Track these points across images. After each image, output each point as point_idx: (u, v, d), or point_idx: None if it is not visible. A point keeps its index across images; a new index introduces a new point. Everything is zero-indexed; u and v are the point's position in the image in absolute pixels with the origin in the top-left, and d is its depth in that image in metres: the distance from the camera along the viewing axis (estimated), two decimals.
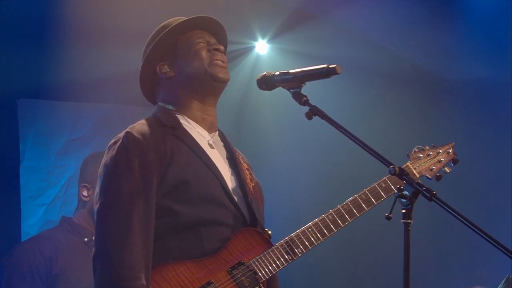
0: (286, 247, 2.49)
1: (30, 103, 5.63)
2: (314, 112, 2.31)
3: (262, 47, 6.45)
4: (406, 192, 2.08)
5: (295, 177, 6.58)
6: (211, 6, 5.53)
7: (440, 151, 2.99)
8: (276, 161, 6.76)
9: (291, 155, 6.69)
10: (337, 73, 2.31)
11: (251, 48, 6.47)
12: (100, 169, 2.43)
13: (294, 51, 6.32)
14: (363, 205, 2.67)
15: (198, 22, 2.72)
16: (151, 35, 2.73)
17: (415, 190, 2.06)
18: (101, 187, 2.37)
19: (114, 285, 2.20)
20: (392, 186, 2.74)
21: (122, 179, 2.33)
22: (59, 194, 5.62)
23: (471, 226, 1.93)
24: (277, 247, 2.49)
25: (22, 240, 4.92)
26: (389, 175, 2.70)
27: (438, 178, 2.95)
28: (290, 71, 2.42)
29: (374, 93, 6.23)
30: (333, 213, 2.61)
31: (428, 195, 2.02)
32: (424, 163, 2.93)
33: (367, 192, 2.71)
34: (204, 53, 2.64)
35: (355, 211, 2.65)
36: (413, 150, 2.96)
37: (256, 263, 2.42)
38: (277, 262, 2.45)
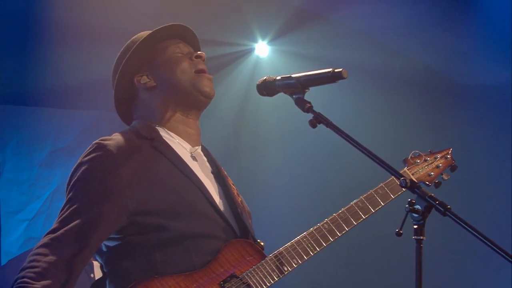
0: (280, 258, 2.52)
1: (11, 109, 5.65)
2: (318, 119, 2.31)
3: (262, 49, 6.48)
4: (418, 206, 2.09)
5: (296, 187, 6.60)
6: (208, 5, 5.56)
7: (438, 156, 3.05)
8: (277, 171, 6.78)
9: (293, 165, 6.71)
10: (344, 78, 2.32)
11: (251, 50, 6.50)
12: (68, 183, 2.48)
13: (296, 53, 6.35)
14: (360, 213, 2.71)
15: (172, 31, 2.77)
16: (121, 51, 2.78)
17: (427, 204, 2.06)
18: (63, 206, 2.43)
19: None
20: (389, 193, 2.80)
21: (75, 212, 2.36)
22: (43, 209, 5.62)
23: (488, 243, 1.93)
24: (271, 258, 2.51)
25: (1, 259, 4.93)
26: (386, 181, 2.80)
27: (437, 184, 3.01)
28: (293, 75, 2.43)
29: (382, 98, 6.25)
30: (329, 222, 2.65)
31: (442, 209, 2.02)
32: (422, 169, 2.99)
33: (363, 199, 2.75)
34: (186, 63, 2.69)
35: (352, 219, 2.68)
36: (410, 156, 3.01)
37: (250, 275, 2.45)
38: (272, 274, 2.47)
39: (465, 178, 5.59)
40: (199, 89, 2.66)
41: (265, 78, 2.52)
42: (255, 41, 6.40)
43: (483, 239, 1.96)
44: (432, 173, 2.99)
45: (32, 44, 5.21)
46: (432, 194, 2.08)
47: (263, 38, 6.38)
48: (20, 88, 5.48)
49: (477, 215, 4.75)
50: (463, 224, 1.99)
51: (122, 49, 2.78)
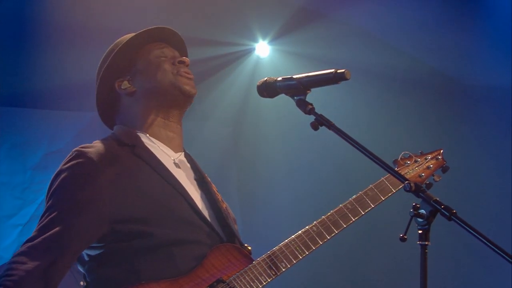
0: (268, 262, 2.54)
1: (4, 111, 5.65)
2: (320, 122, 2.32)
3: (263, 49, 6.49)
4: (422, 211, 2.10)
5: (297, 187, 6.62)
6: (207, 4, 5.56)
7: (429, 157, 3.07)
8: (277, 172, 6.79)
9: (293, 165, 6.72)
10: (346, 79, 2.32)
11: (251, 50, 6.50)
12: (48, 191, 2.49)
13: (298, 53, 6.35)
14: (350, 215, 2.73)
15: (157, 34, 2.78)
16: (104, 54, 2.79)
17: (432, 209, 2.07)
18: (43, 214, 2.43)
19: None
20: (379, 195, 2.83)
21: (54, 221, 2.37)
22: (37, 213, 5.62)
23: (495, 249, 1.94)
24: (259, 262, 2.53)
25: None
26: (376, 183, 2.83)
27: (428, 186, 3.01)
28: (294, 76, 2.43)
29: (387, 100, 6.26)
30: (317, 224, 2.67)
31: (447, 214, 2.03)
32: (413, 170, 3.00)
33: (353, 201, 2.78)
34: (167, 66, 2.70)
35: (341, 221, 2.71)
36: (400, 157, 3.03)
37: (237, 279, 2.46)
38: (260, 278, 2.49)
39: (465, 178, 5.64)
40: (179, 88, 2.67)
41: (265, 79, 2.53)
42: (256, 40, 6.41)
43: (489, 244, 1.96)
44: (423, 174, 3.01)
45: (26, 45, 5.22)
46: (438, 198, 2.08)
47: (264, 38, 6.39)
48: (13, 89, 5.49)
49: (477, 215, 4.77)
50: (469, 229, 1.99)
51: (105, 52, 2.79)
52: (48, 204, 2.44)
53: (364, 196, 2.80)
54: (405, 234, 2.19)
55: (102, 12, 5.09)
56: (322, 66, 2.47)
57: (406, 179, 2.16)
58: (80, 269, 2.52)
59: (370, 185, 2.84)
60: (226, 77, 6.59)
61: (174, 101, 2.69)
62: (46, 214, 2.40)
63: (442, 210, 2.05)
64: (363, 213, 2.77)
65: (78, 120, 5.89)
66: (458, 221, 2.02)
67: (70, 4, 5.05)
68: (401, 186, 2.84)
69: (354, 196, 2.80)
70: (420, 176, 3.00)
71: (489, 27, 5.68)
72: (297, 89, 2.42)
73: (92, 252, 2.44)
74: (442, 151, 3.10)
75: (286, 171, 6.76)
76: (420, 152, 3.08)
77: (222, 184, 6.81)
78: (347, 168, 6.06)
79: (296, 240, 2.61)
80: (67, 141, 5.81)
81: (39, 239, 2.33)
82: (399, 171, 2.94)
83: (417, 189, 2.12)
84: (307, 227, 2.66)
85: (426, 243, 2.08)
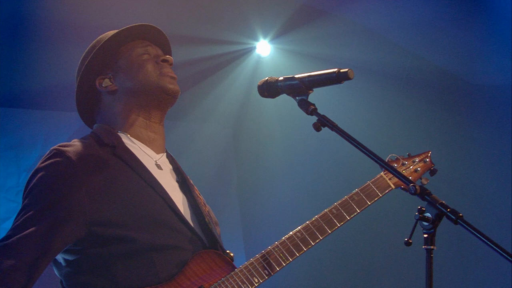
0: (251, 269, 2.53)
1: None
2: (323, 122, 2.32)
3: (264, 48, 6.49)
4: (428, 214, 2.09)
5: (297, 188, 6.62)
6: (207, 2, 5.56)
7: (416, 159, 3.03)
8: (277, 172, 6.80)
9: (294, 166, 6.73)
10: (349, 78, 2.32)
11: (252, 49, 6.50)
12: (24, 190, 2.47)
13: (300, 52, 6.35)
14: (335, 221, 2.71)
15: (139, 32, 2.77)
16: (86, 50, 2.78)
17: (438, 212, 2.07)
18: (19, 211, 2.42)
19: None
20: (365, 199, 2.80)
21: (29, 220, 2.35)
22: None
23: (502, 252, 1.93)
24: (241, 269, 2.53)
25: None
26: (362, 187, 2.81)
27: None
28: (296, 76, 2.43)
29: (391, 100, 6.27)
30: (302, 230, 2.66)
31: (453, 217, 2.03)
32: None
33: (338, 206, 2.76)
34: (150, 66, 2.69)
35: (326, 227, 2.69)
36: (387, 160, 3.00)
37: (219, 287, 2.47)
38: (242, 286, 2.49)
39: (465, 178, 5.64)
40: (162, 87, 2.66)
41: (266, 78, 2.52)
42: (256, 39, 6.41)
43: (497, 248, 1.96)
44: (410, 178, 2.98)
45: (22, 44, 5.21)
46: (444, 201, 2.08)
47: (265, 36, 6.39)
48: (7, 89, 5.48)
49: (477, 215, 4.77)
50: (476, 233, 1.99)
51: (87, 48, 2.78)
52: (24, 203, 2.42)
53: (350, 201, 2.78)
54: (409, 238, 2.19)
55: (100, 11, 5.08)
56: (324, 65, 2.48)
57: (411, 182, 2.15)
58: (57, 273, 2.50)
59: (356, 189, 2.82)
60: (226, 77, 6.59)
61: (156, 102, 2.68)
62: (22, 213, 2.38)
63: (448, 214, 2.05)
64: (348, 218, 2.75)
65: (73, 120, 5.87)
66: (465, 225, 2.01)
67: (67, 3, 5.04)
68: (388, 191, 2.86)
69: (339, 201, 2.77)
70: None
71: (490, 26, 5.69)
72: (299, 89, 2.42)
73: (69, 257, 2.42)
74: (430, 153, 3.08)
75: (286, 171, 6.77)
76: (408, 155, 3.04)
77: (222, 184, 6.85)
78: (347, 168, 6.07)
79: (280, 246, 2.60)
80: (63, 142, 5.80)
81: (13, 239, 2.31)
82: (386, 175, 2.90)
83: (423, 192, 2.12)
84: (290, 233, 2.65)
85: (432, 247, 2.08)
